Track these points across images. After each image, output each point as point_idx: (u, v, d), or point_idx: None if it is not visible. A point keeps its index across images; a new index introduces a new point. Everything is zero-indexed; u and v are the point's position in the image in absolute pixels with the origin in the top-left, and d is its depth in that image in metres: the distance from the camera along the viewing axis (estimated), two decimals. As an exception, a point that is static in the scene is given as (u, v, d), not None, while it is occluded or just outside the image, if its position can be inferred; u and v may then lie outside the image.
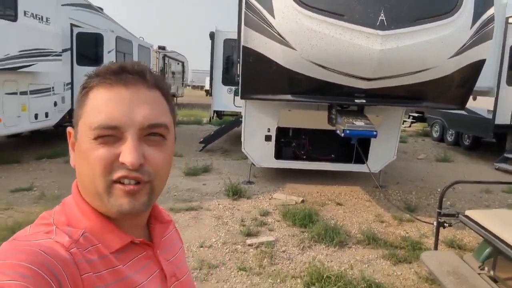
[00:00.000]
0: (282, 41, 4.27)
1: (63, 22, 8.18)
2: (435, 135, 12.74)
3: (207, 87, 32.02)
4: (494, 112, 8.80)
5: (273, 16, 4.24)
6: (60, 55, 7.67)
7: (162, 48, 18.28)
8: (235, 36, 9.95)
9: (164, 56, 17.78)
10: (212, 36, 10.15)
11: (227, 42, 10.11)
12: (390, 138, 6.34)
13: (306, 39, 4.16)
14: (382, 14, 3.99)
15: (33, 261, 0.55)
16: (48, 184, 6.19)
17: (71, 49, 8.82)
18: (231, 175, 6.95)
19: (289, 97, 4.68)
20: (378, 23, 4.00)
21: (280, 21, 4.22)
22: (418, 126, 15.95)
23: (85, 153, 0.66)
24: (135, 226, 0.74)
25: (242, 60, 4.62)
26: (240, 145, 6.56)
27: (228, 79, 10.29)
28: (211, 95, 10.94)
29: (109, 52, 9.06)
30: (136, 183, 0.66)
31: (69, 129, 0.73)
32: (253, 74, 4.70)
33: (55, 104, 8.30)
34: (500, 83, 7.74)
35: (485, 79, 5.48)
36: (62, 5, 7.86)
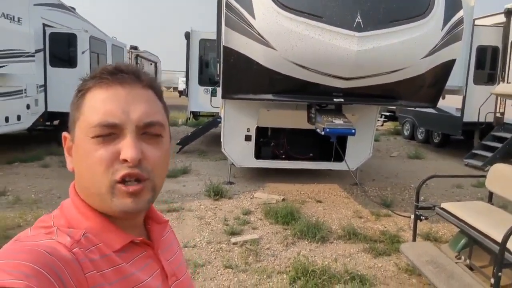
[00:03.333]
0: (262, 41, 4.35)
1: (36, 22, 7.96)
2: (406, 133, 13.15)
3: (180, 88, 31.65)
4: (462, 110, 9.20)
5: (254, 17, 4.32)
6: (33, 56, 7.47)
7: (134, 48, 17.99)
8: (211, 36, 10.03)
9: (137, 56, 17.50)
10: (187, 36, 10.11)
11: (202, 42, 10.12)
12: (366, 136, 6.53)
13: (286, 39, 4.25)
14: (358, 16, 4.14)
15: (36, 261, 0.55)
16: (23, 188, 6.02)
17: (44, 49, 8.57)
18: (210, 176, 6.96)
19: (270, 96, 4.76)
20: (355, 25, 4.14)
21: (261, 22, 4.29)
22: (390, 125, 16.41)
23: (84, 154, 0.66)
24: (134, 226, 0.75)
25: (223, 60, 4.67)
26: (217, 146, 6.59)
27: (204, 80, 10.30)
28: (187, 95, 10.90)
29: (83, 52, 8.85)
30: (137, 181, 0.67)
31: (64, 134, 0.74)
32: (234, 74, 4.76)
33: (28, 106, 8.04)
34: (467, 82, 8.09)
35: (454, 79, 5.75)
36: (34, 4, 7.66)
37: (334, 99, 4.65)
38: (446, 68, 4.80)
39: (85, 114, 0.67)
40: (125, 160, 0.65)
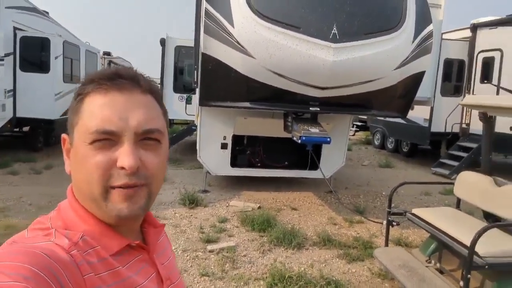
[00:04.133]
0: (241, 49, 4.40)
1: (6, 25, 7.71)
2: (376, 142, 13.49)
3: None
4: (430, 120, 9.56)
5: (233, 26, 4.37)
6: (2, 60, 7.22)
7: (107, 53, 17.75)
8: (186, 43, 10.00)
9: (110, 62, 17.26)
10: (162, 42, 10.00)
11: (178, 48, 10.06)
12: (340, 145, 6.68)
13: (265, 48, 4.32)
14: (334, 28, 4.27)
15: (34, 263, 0.55)
16: (-12, 196, 5.79)
17: (14, 53, 8.28)
18: (185, 184, 6.92)
19: (247, 104, 4.81)
20: (331, 36, 4.27)
21: (240, 30, 4.35)
22: (361, 135, 16.80)
23: (81, 159, 0.66)
24: (130, 230, 0.75)
25: (201, 67, 4.69)
26: (192, 154, 6.57)
27: (179, 87, 10.23)
28: (161, 103, 10.78)
29: (56, 57, 8.61)
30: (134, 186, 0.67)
31: (63, 135, 0.73)
32: (212, 81, 4.78)
33: (-5, 111, 7.76)
34: (435, 94, 8.43)
35: (424, 90, 5.99)
36: (5, 7, 7.42)
37: (311, 108, 4.75)
38: (416, 79, 5.00)
39: (84, 119, 0.67)
40: (122, 168, 0.65)
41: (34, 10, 9.28)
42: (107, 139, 0.65)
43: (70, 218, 0.69)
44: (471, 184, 3.63)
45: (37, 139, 9.24)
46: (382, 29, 4.46)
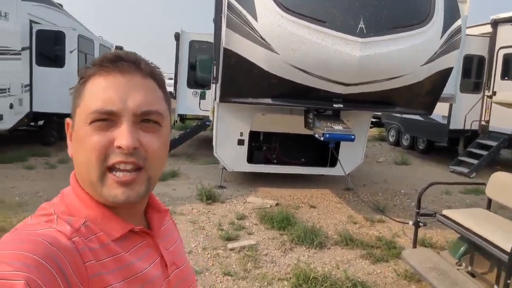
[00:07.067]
0: (264, 44, 4.30)
1: (23, 18, 7.66)
2: (391, 139, 13.30)
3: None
4: (448, 117, 9.36)
5: (256, 20, 4.27)
6: (19, 54, 7.19)
7: (119, 48, 17.73)
8: (201, 38, 9.93)
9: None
10: (177, 37, 9.91)
11: (192, 43, 9.97)
12: (359, 142, 6.53)
13: (289, 43, 4.22)
14: (361, 22, 4.14)
15: (36, 251, 0.55)
16: (5, 190, 5.77)
17: (30, 47, 8.22)
18: (201, 180, 6.85)
19: (269, 101, 4.71)
20: (358, 30, 4.14)
21: (263, 24, 4.25)
22: (374, 131, 16.60)
23: (81, 140, 0.67)
24: (133, 215, 0.75)
25: (222, 63, 4.59)
26: (206, 149, 6.51)
27: (193, 82, 10.15)
28: (175, 98, 10.72)
29: (71, 52, 8.54)
30: (132, 169, 0.67)
31: (67, 120, 0.74)
32: (233, 77, 4.68)
33: (11, 106, 7.71)
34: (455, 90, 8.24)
35: (447, 86, 5.82)
36: (22, 0, 7.37)
37: (334, 105, 4.64)
38: (444, 76, 4.86)
39: (85, 101, 0.68)
40: (119, 147, 0.65)
41: (48, 2, 9.20)
42: (106, 119, 0.66)
43: (72, 203, 0.70)
44: (505, 185, 3.50)
45: (51, 133, 9.23)
46: (411, 23, 4.33)
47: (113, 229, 0.69)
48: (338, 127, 4.71)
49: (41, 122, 9.49)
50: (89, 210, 0.69)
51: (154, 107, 0.70)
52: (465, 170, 8.67)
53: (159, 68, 0.76)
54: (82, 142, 0.66)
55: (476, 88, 9.61)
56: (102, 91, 0.67)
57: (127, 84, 0.68)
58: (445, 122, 9.48)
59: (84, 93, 0.68)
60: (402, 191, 7.09)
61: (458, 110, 9.15)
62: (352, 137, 4.67)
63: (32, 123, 9.18)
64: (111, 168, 0.66)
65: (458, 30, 4.67)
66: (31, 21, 8.25)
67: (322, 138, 4.67)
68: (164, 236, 0.82)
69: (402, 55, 4.28)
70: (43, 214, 0.67)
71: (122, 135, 0.65)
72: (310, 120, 5.24)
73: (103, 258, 0.64)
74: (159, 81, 0.74)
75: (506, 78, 8.99)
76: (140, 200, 0.71)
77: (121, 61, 0.69)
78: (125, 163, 0.66)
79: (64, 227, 0.63)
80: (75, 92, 0.71)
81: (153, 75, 0.73)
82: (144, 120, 0.69)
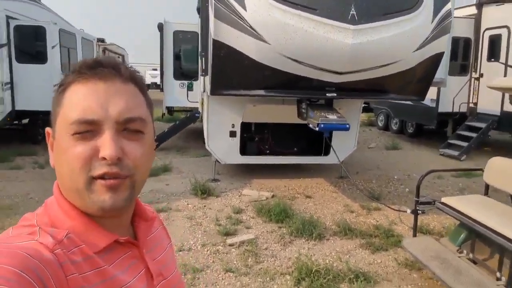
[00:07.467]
0: (254, 34, 4.18)
1: (-2, 14, 7.38)
2: (380, 124, 13.37)
3: (147, 81, 30.77)
4: (437, 101, 9.40)
5: (245, 9, 4.14)
6: (-3, 51, 6.91)
7: (101, 40, 17.25)
8: (185, 28, 9.70)
9: (104, 49, 16.80)
10: (160, 27, 9.64)
11: (176, 34, 9.74)
12: (351, 129, 6.48)
13: (279, 32, 4.11)
14: (353, 9, 4.06)
15: (18, 264, 0.54)
16: None
17: (9, 44, 7.91)
18: (193, 174, 6.75)
19: (261, 92, 4.61)
20: (349, 18, 4.06)
21: (252, 14, 4.12)
22: (363, 116, 16.62)
23: (63, 150, 0.65)
24: (119, 226, 0.73)
25: (212, 54, 4.45)
26: (196, 141, 6.41)
27: (179, 73, 9.95)
28: (162, 90, 10.51)
29: (53, 47, 8.24)
30: (116, 176, 0.65)
31: (47, 129, 0.72)
32: (224, 69, 4.56)
33: (-9, 106, 7.48)
34: (443, 74, 8.24)
35: (438, 71, 5.80)
36: (-4, -5, 7.08)
37: (327, 94, 4.57)
38: (435, 61, 4.82)
39: (65, 109, 0.66)
40: (104, 158, 0.63)
41: None
42: (88, 130, 0.64)
43: (56, 214, 0.68)
44: (503, 171, 3.49)
45: (37, 131, 8.98)
46: (402, 8, 4.26)
47: (97, 240, 0.67)
48: (332, 117, 4.65)
49: (26, 121, 9.22)
50: (73, 221, 0.67)
51: (137, 113, 0.68)
52: (455, 153, 8.73)
53: (138, 72, 0.74)
54: (65, 153, 0.65)
55: (463, 70, 9.64)
56: (82, 99, 0.65)
57: (108, 90, 0.66)
58: (434, 105, 9.52)
59: (63, 102, 0.66)
60: (395, 177, 7.11)
61: (446, 93, 9.17)
62: (347, 126, 4.62)
63: (16, 122, 8.92)
64: (97, 177, 0.64)
65: (448, 14, 4.62)
66: (7, 17, 7.93)
67: (317, 129, 4.61)
68: (152, 245, 0.81)
69: (394, 41, 4.22)
70: (26, 225, 0.65)
71: (105, 145, 0.63)
72: (303, 110, 5.17)
73: (86, 271, 0.63)
74: (140, 85, 0.72)
75: (492, 59, 9.03)
76: (126, 205, 0.69)
77: (100, 67, 0.67)
78: (109, 175, 0.64)
79: (47, 239, 0.61)
80: (54, 101, 0.69)
81: (134, 79, 0.71)
82: (127, 127, 0.67)
